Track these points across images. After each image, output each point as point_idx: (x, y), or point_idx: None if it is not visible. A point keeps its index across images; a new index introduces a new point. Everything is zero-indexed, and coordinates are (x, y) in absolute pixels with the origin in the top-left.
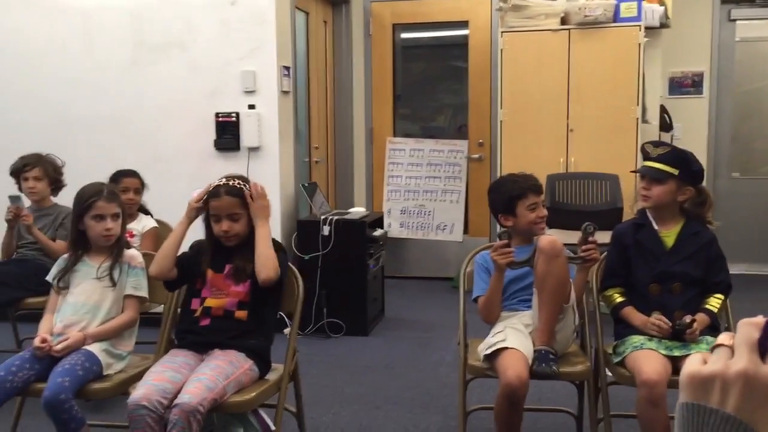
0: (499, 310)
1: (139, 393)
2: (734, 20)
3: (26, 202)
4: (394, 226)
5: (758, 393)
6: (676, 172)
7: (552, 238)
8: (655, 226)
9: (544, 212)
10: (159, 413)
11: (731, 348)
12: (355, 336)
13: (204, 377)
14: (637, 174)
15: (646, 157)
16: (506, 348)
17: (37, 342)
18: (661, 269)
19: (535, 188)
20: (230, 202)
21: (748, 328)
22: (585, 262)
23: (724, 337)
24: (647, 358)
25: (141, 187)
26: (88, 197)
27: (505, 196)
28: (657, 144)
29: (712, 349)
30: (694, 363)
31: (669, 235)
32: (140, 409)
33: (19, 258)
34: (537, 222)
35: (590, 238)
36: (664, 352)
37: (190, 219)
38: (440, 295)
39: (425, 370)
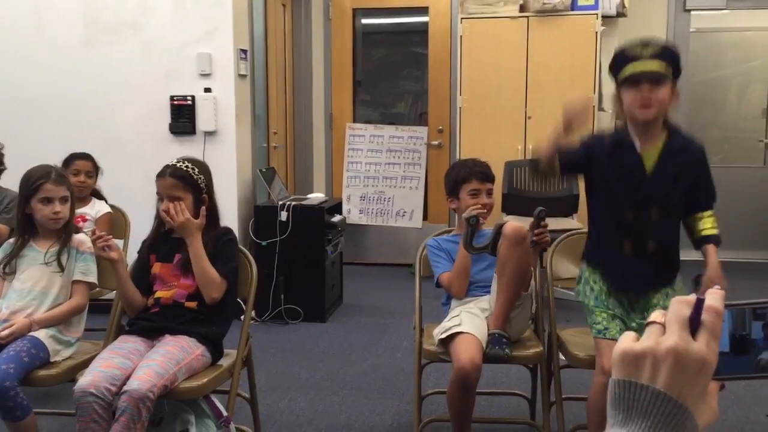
0: (467, 281)
1: (86, 380)
2: (689, 10)
3: None
4: (353, 213)
5: (688, 370)
6: (671, 70)
7: (517, 224)
8: (638, 146)
9: (486, 200)
10: (107, 400)
11: (663, 325)
12: (313, 322)
13: (154, 363)
14: (623, 85)
15: (634, 58)
16: (461, 332)
17: None
18: (641, 196)
19: (480, 175)
20: (171, 183)
21: (680, 305)
22: (536, 245)
23: (656, 315)
24: (609, 347)
25: (94, 170)
26: (35, 179)
27: (452, 178)
28: (645, 43)
29: (645, 326)
30: (627, 340)
31: (651, 153)
32: (87, 396)
33: None
34: (476, 209)
35: (542, 223)
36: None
37: (118, 263)
38: (399, 282)
39: (382, 356)
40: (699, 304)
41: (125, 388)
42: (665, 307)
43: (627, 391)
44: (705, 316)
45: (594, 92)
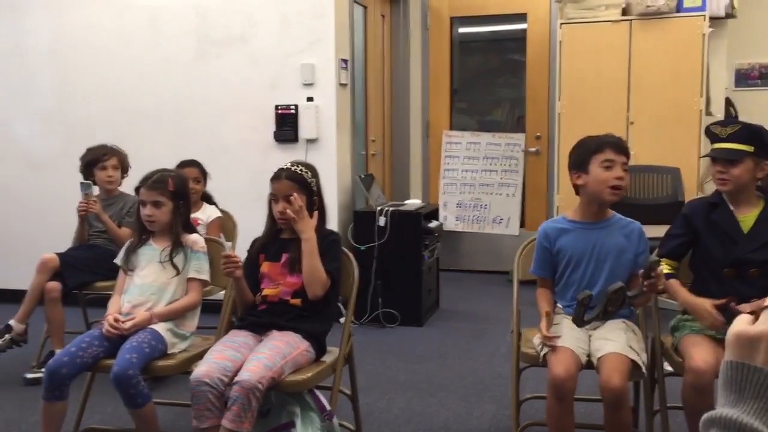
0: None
1: (201, 370)
2: None
3: (95, 190)
4: (449, 220)
5: None
6: (751, 149)
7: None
8: (731, 208)
9: (621, 174)
10: (220, 390)
11: None
12: (410, 326)
13: (263, 356)
14: (709, 158)
15: (715, 138)
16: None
17: (110, 321)
18: (738, 255)
19: (615, 145)
20: (288, 185)
21: None
22: (644, 294)
23: None
24: (698, 345)
25: (201, 176)
26: (139, 185)
27: (581, 150)
28: (725, 123)
29: (761, 309)
30: (742, 323)
31: (746, 219)
32: (202, 386)
33: (90, 244)
34: (611, 183)
35: (653, 273)
36: (720, 336)
37: (240, 279)
38: (495, 289)
39: (479, 360)
40: None
41: (237, 378)
42: None
43: (740, 373)
44: None
45: (701, 95)
